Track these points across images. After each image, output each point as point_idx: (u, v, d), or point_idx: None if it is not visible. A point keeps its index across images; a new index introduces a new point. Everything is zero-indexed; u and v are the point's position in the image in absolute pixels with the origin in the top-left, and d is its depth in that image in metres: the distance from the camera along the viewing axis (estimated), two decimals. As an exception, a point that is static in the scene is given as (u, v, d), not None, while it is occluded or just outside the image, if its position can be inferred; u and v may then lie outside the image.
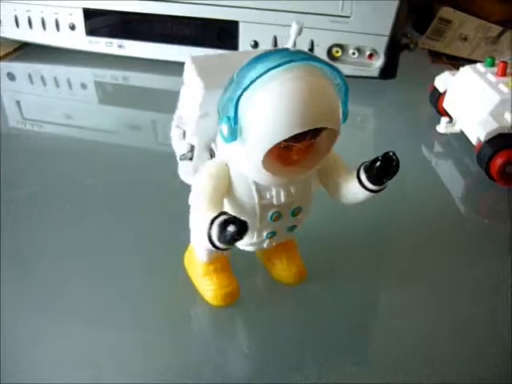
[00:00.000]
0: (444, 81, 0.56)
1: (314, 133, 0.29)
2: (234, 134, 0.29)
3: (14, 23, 0.70)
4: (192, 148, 0.34)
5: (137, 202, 0.47)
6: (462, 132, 0.53)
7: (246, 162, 0.30)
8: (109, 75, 0.71)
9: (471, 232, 0.45)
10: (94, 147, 0.56)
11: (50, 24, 0.69)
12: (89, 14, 0.68)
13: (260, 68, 0.28)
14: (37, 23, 0.69)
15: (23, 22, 0.70)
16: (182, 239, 0.37)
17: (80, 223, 0.44)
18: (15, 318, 0.35)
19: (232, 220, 0.28)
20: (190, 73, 0.32)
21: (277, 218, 0.33)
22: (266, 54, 0.29)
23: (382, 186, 0.32)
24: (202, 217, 0.30)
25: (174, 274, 0.38)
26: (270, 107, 0.27)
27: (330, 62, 0.29)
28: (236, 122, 0.28)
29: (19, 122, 0.61)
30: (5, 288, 0.37)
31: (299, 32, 0.29)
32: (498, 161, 0.46)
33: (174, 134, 0.35)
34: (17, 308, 0.36)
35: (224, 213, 0.29)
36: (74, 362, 0.33)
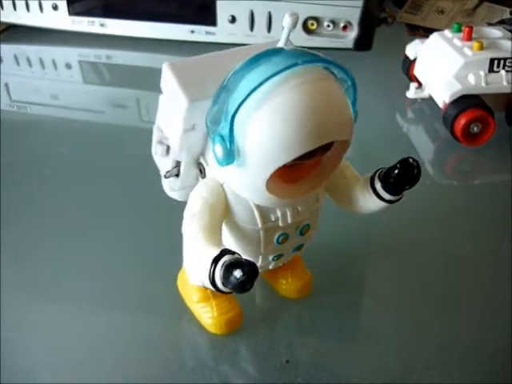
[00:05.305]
0: (414, 49, 0.58)
1: (326, 147, 0.25)
2: (230, 156, 0.24)
3: (-1, 6, 0.72)
4: (178, 164, 0.30)
5: (123, 181, 0.47)
6: (431, 98, 0.55)
7: (246, 186, 0.26)
8: (92, 54, 0.73)
9: (440, 195, 0.46)
10: (81, 126, 0.57)
11: (34, 5, 0.70)
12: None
13: (258, 74, 0.23)
14: (21, 5, 0.71)
15: (7, 4, 0.71)
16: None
17: (65, 206, 0.44)
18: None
19: (238, 263, 0.23)
20: (168, 82, 0.27)
21: (284, 240, 0.30)
22: (262, 56, 0.24)
23: (400, 196, 0.29)
24: (201, 252, 0.25)
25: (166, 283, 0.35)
26: (277, 123, 0.23)
27: (335, 61, 0.25)
28: (232, 142, 0.24)
29: (8, 104, 0.62)
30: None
31: (294, 25, 0.25)
32: (462, 121, 0.48)
33: (157, 150, 0.31)
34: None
35: (227, 251, 0.24)
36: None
